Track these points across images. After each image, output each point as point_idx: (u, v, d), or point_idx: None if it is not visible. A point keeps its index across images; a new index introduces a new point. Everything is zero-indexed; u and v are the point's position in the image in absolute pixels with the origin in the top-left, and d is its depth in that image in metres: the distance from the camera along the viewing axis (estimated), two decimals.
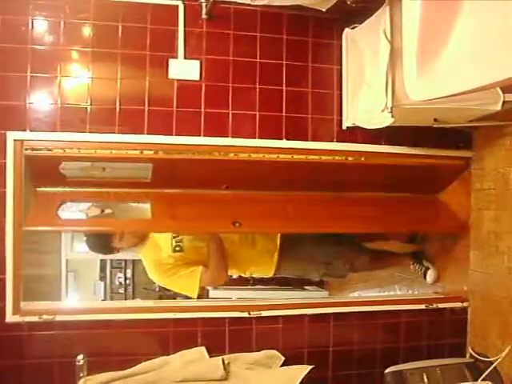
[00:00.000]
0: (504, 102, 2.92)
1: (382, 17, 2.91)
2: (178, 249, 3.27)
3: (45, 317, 3.03)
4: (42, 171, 3.17)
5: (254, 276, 3.84)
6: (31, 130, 3.01)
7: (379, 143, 3.40)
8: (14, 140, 2.97)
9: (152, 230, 3.43)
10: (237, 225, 3.19)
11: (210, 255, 3.21)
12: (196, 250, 3.30)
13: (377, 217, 3.62)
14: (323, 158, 3.32)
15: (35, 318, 3.02)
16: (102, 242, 3.25)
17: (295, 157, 3.28)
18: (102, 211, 3.35)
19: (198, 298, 3.40)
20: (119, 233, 3.19)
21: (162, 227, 3.34)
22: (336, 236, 3.64)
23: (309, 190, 3.56)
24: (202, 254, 3.26)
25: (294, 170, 3.42)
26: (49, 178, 3.24)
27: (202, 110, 3.20)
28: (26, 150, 2.99)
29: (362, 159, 3.39)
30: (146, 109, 3.13)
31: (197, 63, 3.20)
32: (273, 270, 3.48)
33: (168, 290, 3.77)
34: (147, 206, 3.29)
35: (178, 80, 3.19)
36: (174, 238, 3.30)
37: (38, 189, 3.25)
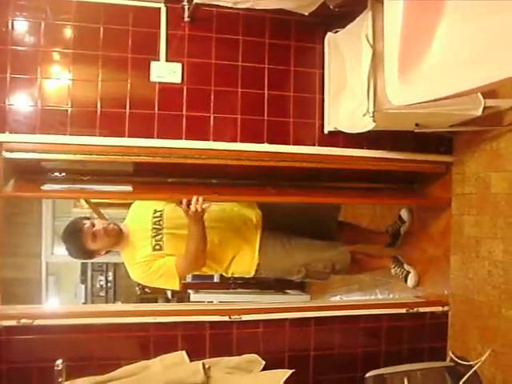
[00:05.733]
0: (485, 108, 2.94)
1: (364, 21, 2.92)
2: (157, 247, 3.25)
3: (23, 321, 3.00)
4: (22, 167, 3.19)
5: (235, 276, 3.82)
6: (11, 132, 2.97)
7: (361, 148, 3.40)
8: None
9: (132, 198, 3.46)
10: (217, 193, 3.27)
11: (189, 237, 3.17)
12: (176, 249, 3.27)
13: (358, 195, 3.78)
14: (304, 161, 3.32)
15: (13, 322, 3.00)
16: (77, 247, 3.22)
17: (276, 160, 3.29)
18: None
19: (179, 300, 3.36)
20: (90, 234, 3.16)
21: (142, 196, 3.37)
22: (317, 239, 3.64)
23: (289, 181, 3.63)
24: (182, 251, 3.24)
25: (275, 171, 3.46)
26: (29, 170, 3.25)
27: (184, 113, 3.19)
28: (6, 151, 2.96)
29: (344, 163, 3.40)
30: (128, 111, 3.11)
31: (179, 66, 3.19)
32: (253, 270, 3.47)
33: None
34: (129, 189, 3.30)
35: (159, 83, 3.17)
36: (154, 237, 3.28)
37: (18, 177, 3.24)
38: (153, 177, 3.46)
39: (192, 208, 2.99)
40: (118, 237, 3.27)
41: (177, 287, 3.28)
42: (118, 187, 3.36)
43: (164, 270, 3.21)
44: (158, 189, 3.42)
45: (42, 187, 3.16)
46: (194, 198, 2.99)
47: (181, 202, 3.06)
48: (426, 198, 3.86)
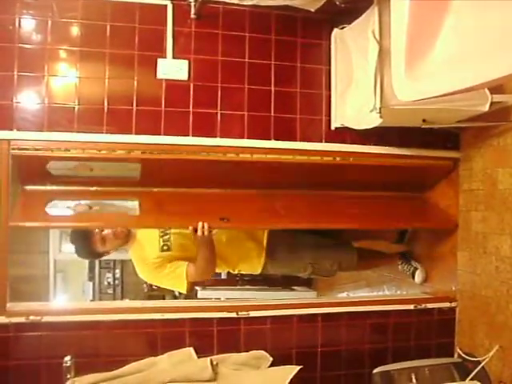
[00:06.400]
0: (492, 103, 2.93)
1: (370, 17, 2.92)
2: (165, 248, 3.27)
3: (32, 318, 3.01)
4: (29, 169, 3.15)
5: (242, 273, 3.84)
6: (18, 130, 2.98)
7: (368, 144, 3.40)
8: (1, 140, 2.95)
9: (140, 225, 3.41)
10: (225, 220, 3.21)
11: (198, 251, 3.20)
12: (183, 249, 3.30)
13: (366, 214, 3.64)
14: (312, 158, 3.31)
15: (22, 319, 3.00)
16: (86, 249, 3.25)
17: (283, 157, 3.28)
18: (90, 208, 3.33)
19: (186, 297, 3.38)
20: (100, 238, 3.19)
21: (150, 223, 3.32)
22: (323, 235, 3.64)
23: (297, 188, 3.56)
24: (190, 252, 3.26)
25: (283, 170, 3.43)
26: (36, 176, 3.23)
27: (191, 109, 3.19)
28: (13, 149, 2.97)
29: (351, 159, 3.39)
30: (134, 109, 3.12)
31: (185, 63, 3.19)
32: (260, 267, 3.48)
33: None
34: (135, 204, 3.28)
35: (166, 80, 3.18)
36: (162, 237, 3.29)
37: (25, 187, 3.23)
38: (159, 186, 3.44)
39: (199, 233, 3.07)
40: (126, 237, 3.30)
41: (184, 290, 3.32)
42: (124, 202, 3.38)
43: (175, 275, 3.25)
44: (165, 203, 3.36)
45: (48, 205, 3.17)
46: (200, 224, 3.07)
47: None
48: (435, 220, 3.81)
